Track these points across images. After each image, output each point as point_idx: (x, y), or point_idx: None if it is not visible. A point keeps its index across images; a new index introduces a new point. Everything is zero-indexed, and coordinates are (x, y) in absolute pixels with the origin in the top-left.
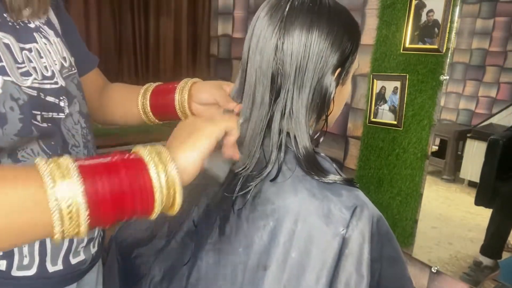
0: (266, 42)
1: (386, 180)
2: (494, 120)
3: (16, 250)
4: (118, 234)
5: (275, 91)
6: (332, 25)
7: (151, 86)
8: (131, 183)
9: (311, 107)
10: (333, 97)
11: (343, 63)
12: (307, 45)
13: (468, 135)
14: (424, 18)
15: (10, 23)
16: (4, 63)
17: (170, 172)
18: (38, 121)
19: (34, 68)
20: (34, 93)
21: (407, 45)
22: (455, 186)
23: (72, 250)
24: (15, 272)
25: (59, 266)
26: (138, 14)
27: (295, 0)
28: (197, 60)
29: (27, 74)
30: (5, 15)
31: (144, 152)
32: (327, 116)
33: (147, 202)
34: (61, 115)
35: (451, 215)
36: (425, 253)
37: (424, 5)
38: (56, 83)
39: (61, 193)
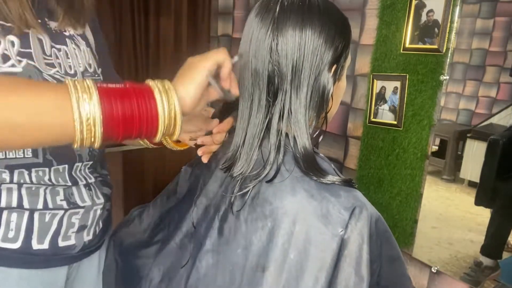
0: (259, 44)
1: (386, 180)
2: (494, 120)
3: (3, 221)
4: (117, 235)
5: (273, 93)
6: (323, 22)
7: None
8: (140, 108)
9: (310, 106)
10: (332, 94)
11: (338, 59)
12: (301, 44)
13: (468, 135)
14: (424, 18)
15: (48, 26)
16: (32, 51)
17: (171, 97)
18: None
19: (59, 63)
20: (54, 82)
21: (407, 45)
22: (455, 186)
23: (61, 233)
24: (0, 243)
25: (45, 246)
26: (138, 14)
27: (285, 0)
28: None
29: (51, 65)
30: (46, 19)
31: (151, 83)
32: (326, 114)
33: (152, 125)
34: None
35: (451, 215)
36: (425, 253)
37: (424, 5)
38: None
39: (83, 108)
